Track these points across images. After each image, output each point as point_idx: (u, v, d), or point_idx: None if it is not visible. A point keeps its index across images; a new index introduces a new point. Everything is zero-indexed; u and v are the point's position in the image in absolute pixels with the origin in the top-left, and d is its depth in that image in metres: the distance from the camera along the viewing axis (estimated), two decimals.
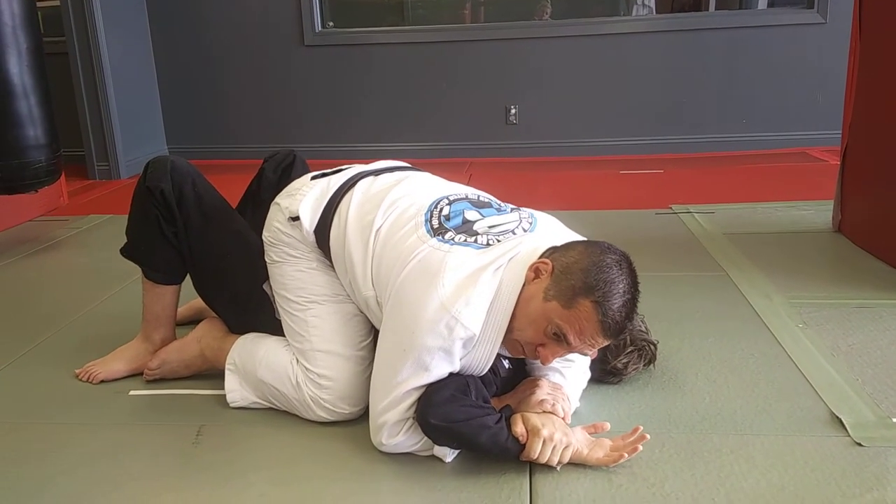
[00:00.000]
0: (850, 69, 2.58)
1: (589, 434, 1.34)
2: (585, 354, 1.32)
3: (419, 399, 1.28)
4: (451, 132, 4.52)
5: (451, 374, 1.28)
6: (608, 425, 1.35)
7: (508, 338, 1.29)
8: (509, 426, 1.28)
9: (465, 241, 1.33)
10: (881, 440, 1.37)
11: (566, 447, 1.28)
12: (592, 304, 1.20)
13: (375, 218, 1.42)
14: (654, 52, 4.32)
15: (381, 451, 1.35)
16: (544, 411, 1.32)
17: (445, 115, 4.51)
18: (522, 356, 1.34)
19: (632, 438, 1.31)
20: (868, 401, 1.51)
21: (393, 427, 1.31)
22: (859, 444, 1.35)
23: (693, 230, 2.79)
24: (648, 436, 1.30)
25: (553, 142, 4.47)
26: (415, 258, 1.30)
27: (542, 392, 1.37)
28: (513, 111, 4.46)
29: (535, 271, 1.27)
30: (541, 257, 1.29)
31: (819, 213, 2.87)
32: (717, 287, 2.20)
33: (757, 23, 4.28)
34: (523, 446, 1.27)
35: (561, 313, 1.22)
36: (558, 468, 1.29)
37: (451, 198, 1.46)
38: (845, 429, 1.40)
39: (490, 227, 1.38)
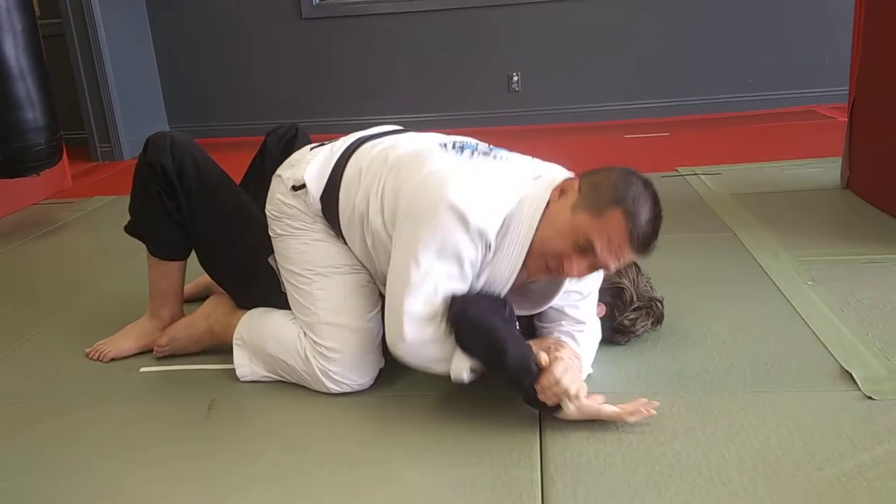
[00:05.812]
0: (856, 20, 2.53)
1: None
2: (609, 270, 1.33)
3: (457, 298, 1.28)
4: (453, 102, 4.48)
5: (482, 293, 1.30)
6: (601, 398, 1.32)
7: (532, 256, 1.29)
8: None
9: (485, 158, 1.39)
10: (892, 393, 1.36)
11: (579, 380, 1.29)
12: (622, 212, 1.24)
13: (387, 161, 1.43)
14: (656, 15, 4.25)
15: (391, 421, 1.36)
16: None
17: (447, 84, 4.46)
18: (547, 274, 1.32)
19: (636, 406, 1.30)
20: (878, 355, 1.51)
21: (417, 322, 1.28)
22: (870, 398, 1.35)
23: (700, 192, 2.77)
24: (657, 405, 1.30)
25: (556, 108, 4.43)
26: (432, 163, 1.34)
27: (547, 342, 1.40)
28: (515, 79, 4.41)
29: (560, 191, 1.31)
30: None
31: (828, 170, 2.84)
32: (724, 247, 2.18)
33: None
34: (541, 371, 1.26)
35: (590, 223, 1.25)
36: (575, 402, 1.27)
37: (459, 141, 1.46)
38: (856, 383, 1.40)
39: (506, 156, 1.43)
